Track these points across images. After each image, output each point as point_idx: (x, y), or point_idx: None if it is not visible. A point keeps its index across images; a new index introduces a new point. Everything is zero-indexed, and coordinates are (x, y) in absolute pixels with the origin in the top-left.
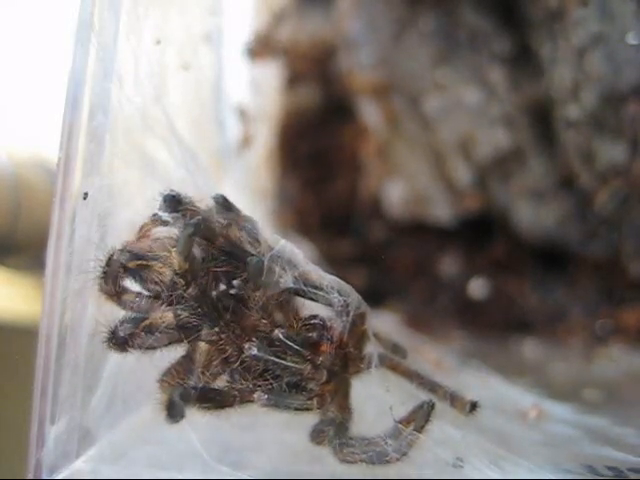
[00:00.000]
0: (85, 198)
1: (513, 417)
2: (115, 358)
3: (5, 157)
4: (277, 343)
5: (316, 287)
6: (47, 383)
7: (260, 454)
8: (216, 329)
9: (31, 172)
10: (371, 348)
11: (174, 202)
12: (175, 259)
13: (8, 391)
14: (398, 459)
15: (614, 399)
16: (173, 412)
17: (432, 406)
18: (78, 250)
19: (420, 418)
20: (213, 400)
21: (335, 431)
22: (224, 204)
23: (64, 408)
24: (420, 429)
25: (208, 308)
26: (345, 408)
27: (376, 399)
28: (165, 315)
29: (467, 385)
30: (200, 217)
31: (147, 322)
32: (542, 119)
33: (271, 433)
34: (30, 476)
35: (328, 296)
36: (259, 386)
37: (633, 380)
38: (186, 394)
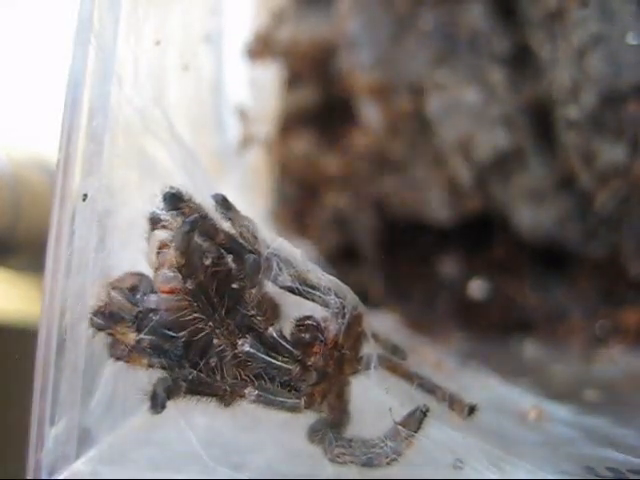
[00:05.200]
0: (85, 199)
1: (513, 418)
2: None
3: (5, 157)
4: (270, 341)
5: (313, 287)
6: (47, 384)
7: (259, 455)
8: (210, 323)
9: (31, 172)
10: (370, 349)
11: (174, 199)
12: (172, 255)
13: (8, 391)
14: (388, 463)
15: (614, 400)
16: (155, 403)
17: (425, 412)
18: (78, 250)
19: (412, 424)
20: (202, 393)
21: (327, 431)
22: (224, 203)
23: (64, 409)
24: (413, 434)
25: (203, 303)
26: (338, 409)
27: (375, 400)
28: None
29: (467, 386)
30: (197, 215)
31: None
32: (542, 119)
33: (270, 434)
34: (29, 477)
35: (324, 297)
36: (251, 382)
37: (633, 381)
38: (175, 385)
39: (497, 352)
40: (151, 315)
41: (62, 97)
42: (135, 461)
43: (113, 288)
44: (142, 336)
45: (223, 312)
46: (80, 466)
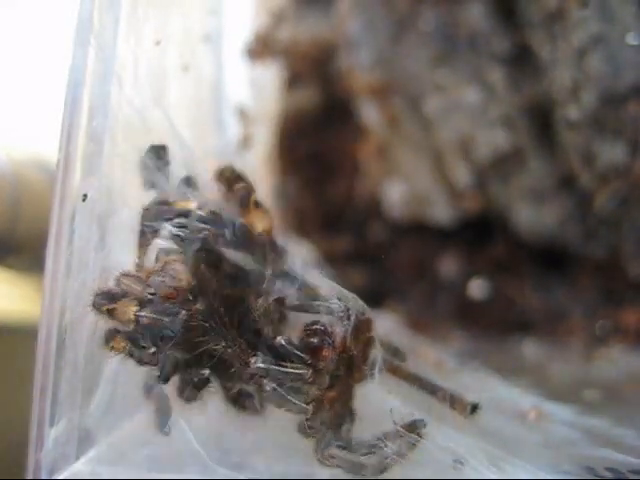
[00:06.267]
0: (84, 199)
1: (513, 418)
2: (115, 359)
3: (5, 157)
4: (280, 350)
5: (315, 298)
6: (46, 384)
7: (259, 456)
8: (223, 344)
9: (31, 172)
10: (376, 353)
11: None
12: (183, 274)
13: (8, 391)
14: (373, 475)
15: (614, 400)
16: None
17: (422, 426)
18: (78, 250)
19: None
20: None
21: (325, 431)
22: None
23: (63, 409)
24: (403, 454)
25: (216, 323)
26: (343, 414)
27: (377, 401)
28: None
29: (467, 386)
30: (208, 232)
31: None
32: (542, 119)
33: (270, 434)
34: (29, 477)
35: (326, 304)
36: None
37: (633, 381)
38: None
39: (497, 352)
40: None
41: (62, 97)
42: (135, 461)
43: (124, 275)
44: (142, 314)
45: (234, 331)
46: (80, 466)
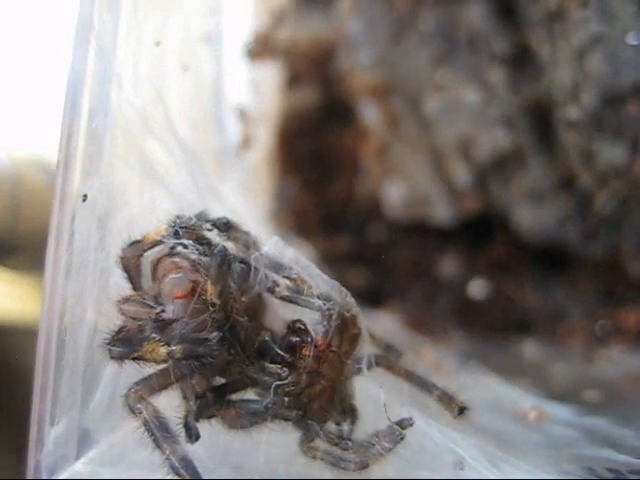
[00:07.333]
0: (84, 200)
1: (513, 418)
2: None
3: (5, 157)
4: (264, 348)
5: (298, 292)
6: (47, 384)
7: (259, 456)
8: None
9: (31, 172)
10: (366, 350)
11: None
12: (209, 289)
13: (8, 391)
14: (355, 470)
15: (614, 400)
16: (189, 433)
17: (410, 424)
18: (78, 251)
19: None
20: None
21: (311, 428)
22: (228, 224)
23: (64, 409)
24: (386, 451)
25: (234, 337)
26: (335, 411)
27: (373, 399)
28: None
29: (467, 386)
30: (223, 245)
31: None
32: (542, 119)
33: (270, 435)
34: (29, 477)
35: (313, 300)
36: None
37: (633, 381)
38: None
39: (497, 352)
40: (175, 325)
41: (62, 97)
42: (135, 462)
43: (124, 301)
44: (172, 348)
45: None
46: (80, 467)
